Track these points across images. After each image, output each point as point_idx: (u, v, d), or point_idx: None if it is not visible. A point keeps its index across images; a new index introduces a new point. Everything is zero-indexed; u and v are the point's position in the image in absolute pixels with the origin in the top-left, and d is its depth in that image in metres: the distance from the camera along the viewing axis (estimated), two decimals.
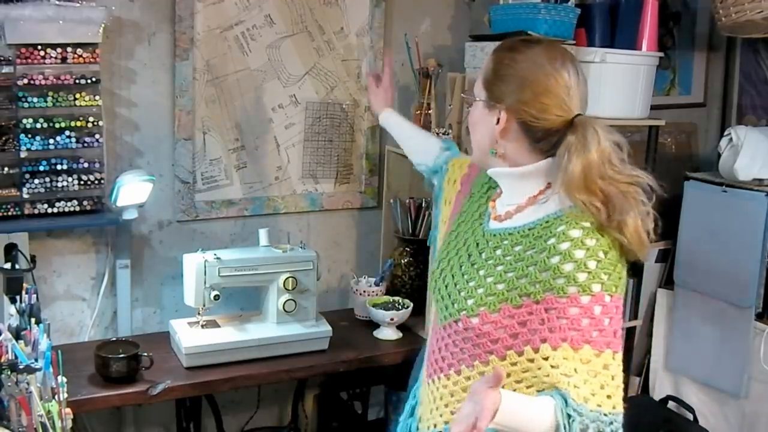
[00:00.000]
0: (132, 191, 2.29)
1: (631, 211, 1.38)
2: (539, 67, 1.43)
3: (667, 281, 3.31)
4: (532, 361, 1.37)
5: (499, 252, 1.45)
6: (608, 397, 1.33)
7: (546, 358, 1.36)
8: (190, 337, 2.30)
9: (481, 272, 1.45)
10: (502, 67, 1.47)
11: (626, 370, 3.12)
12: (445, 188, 1.81)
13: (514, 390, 1.38)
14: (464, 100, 1.61)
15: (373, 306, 2.57)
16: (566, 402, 1.31)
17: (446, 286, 1.51)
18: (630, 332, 3.07)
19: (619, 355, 1.36)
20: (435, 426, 1.55)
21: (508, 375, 1.38)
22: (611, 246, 1.37)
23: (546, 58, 1.44)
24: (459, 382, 1.49)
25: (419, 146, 2.05)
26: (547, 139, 1.44)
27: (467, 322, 1.44)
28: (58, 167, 2.29)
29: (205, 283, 2.29)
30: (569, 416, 1.30)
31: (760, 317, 2.89)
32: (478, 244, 1.51)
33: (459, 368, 1.47)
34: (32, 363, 1.53)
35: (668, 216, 3.22)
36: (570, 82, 1.43)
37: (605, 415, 1.31)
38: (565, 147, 1.39)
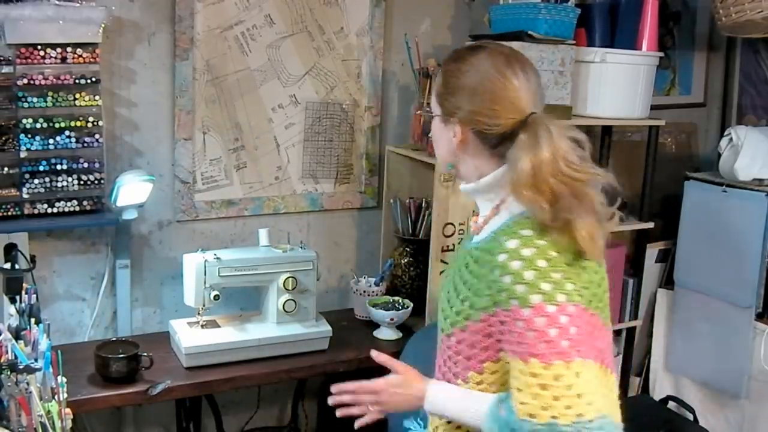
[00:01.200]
0: (132, 191, 2.29)
1: (583, 212, 1.33)
2: (484, 74, 1.41)
3: (667, 281, 3.31)
4: (494, 373, 1.39)
5: (466, 269, 1.44)
6: (567, 407, 1.28)
7: (507, 365, 1.36)
8: (190, 337, 2.30)
9: (458, 287, 1.45)
10: (450, 79, 1.46)
11: (626, 370, 3.13)
12: None
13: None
14: (423, 115, 1.59)
15: (373, 306, 2.57)
16: (509, 420, 1.32)
17: (441, 300, 1.53)
18: (630, 332, 3.07)
19: (576, 363, 1.29)
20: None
21: (490, 384, 1.41)
22: (559, 250, 1.33)
23: (490, 64, 1.42)
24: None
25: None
26: (504, 144, 1.40)
27: (447, 340, 1.46)
28: (58, 167, 2.28)
29: (205, 283, 2.29)
30: (507, 427, 1.31)
31: (760, 317, 2.89)
32: (463, 259, 1.49)
33: (458, 382, 1.47)
34: (32, 363, 1.53)
35: (668, 216, 3.25)
36: (518, 83, 1.40)
37: (563, 425, 1.27)
38: (516, 146, 1.36)
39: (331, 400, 1.60)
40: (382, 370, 2.27)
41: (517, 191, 1.35)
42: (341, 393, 1.61)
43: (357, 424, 1.60)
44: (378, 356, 1.64)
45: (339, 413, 1.59)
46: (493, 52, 1.44)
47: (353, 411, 1.60)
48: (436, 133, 1.52)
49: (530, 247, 1.33)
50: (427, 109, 1.55)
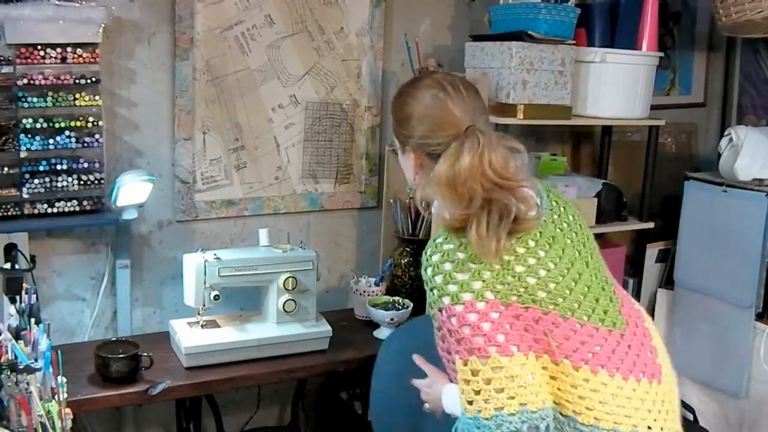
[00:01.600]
0: (132, 191, 2.29)
1: (490, 215, 1.40)
2: (423, 103, 1.54)
3: (667, 281, 3.31)
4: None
5: None
6: (485, 401, 1.34)
7: None
8: (190, 337, 2.30)
9: None
10: (397, 113, 1.61)
11: None
12: None
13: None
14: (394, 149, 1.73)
15: (373, 306, 2.57)
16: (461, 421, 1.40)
17: None
18: None
19: (494, 359, 1.35)
20: None
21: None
22: (458, 254, 1.41)
23: (427, 92, 1.55)
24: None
25: None
26: None
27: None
28: (58, 167, 2.28)
29: (205, 283, 2.29)
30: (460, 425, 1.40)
31: (760, 317, 2.89)
32: None
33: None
34: (32, 363, 1.53)
35: (668, 216, 3.25)
36: (452, 103, 1.51)
37: (486, 419, 1.34)
38: (444, 153, 1.47)
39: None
40: None
41: (435, 191, 1.45)
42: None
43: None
44: (416, 358, 1.73)
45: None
46: (429, 82, 1.58)
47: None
48: (401, 163, 1.67)
49: (438, 252, 1.44)
50: (392, 144, 1.70)
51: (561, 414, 1.42)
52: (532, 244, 1.46)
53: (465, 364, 1.37)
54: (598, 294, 1.50)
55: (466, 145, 1.44)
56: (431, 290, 1.44)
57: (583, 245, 1.55)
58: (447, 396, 1.55)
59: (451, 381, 1.53)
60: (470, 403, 1.37)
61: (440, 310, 1.41)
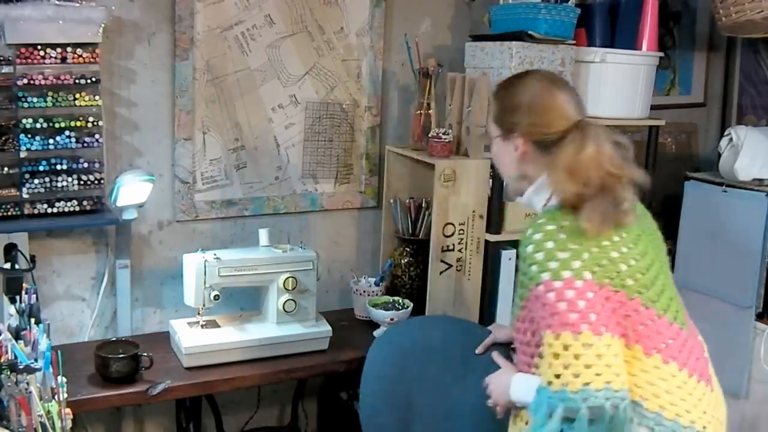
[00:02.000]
0: (132, 191, 2.29)
1: (606, 202, 1.53)
2: (535, 92, 1.65)
3: None
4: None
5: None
6: (575, 376, 1.40)
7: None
8: (190, 337, 2.30)
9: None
10: (505, 102, 1.70)
11: None
12: None
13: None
14: (483, 140, 1.86)
15: (373, 306, 2.57)
16: (539, 391, 1.46)
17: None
18: None
19: (585, 335, 1.42)
20: None
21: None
22: (562, 236, 1.49)
23: (539, 84, 1.67)
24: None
25: None
26: (558, 147, 1.59)
27: (514, 327, 1.64)
28: (58, 167, 2.28)
29: (205, 283, 2.29)
30: (538, 396, 1.45)
31: (760, 317, 2.89)
32: None
33: (533, 367, 1.57)
34: (32, 363, 1.53)
35: (668, 216, 3.25)
36: (563, 95, 1.64)
37: (573, 393, 1.40)
38: (564, 142, 1.57)
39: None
40: None
41: (556, 175, 1.55)
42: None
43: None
44: (494, 356, 1.84)
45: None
46: (539, 76, 1.71)
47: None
48: (497, 152, 1.74)
49: (540, 232, 1.51)
50: (486, 132, 1.79)
51: None
52: (624, 235, 1.55)
53: (557, 338, 1.44)
54: (672, 295, 1.61)
55: (588, 136, 1.55)
56: (530, 266, 1.51)
57: (660, 250, 1.66)
58: (517, 384, 1.61)
59: (523, 370, 1.61)
60: (557, 376, 1.42)
61: (538, 285, 1.48)
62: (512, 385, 1.62)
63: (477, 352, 1.96)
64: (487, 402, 1.73)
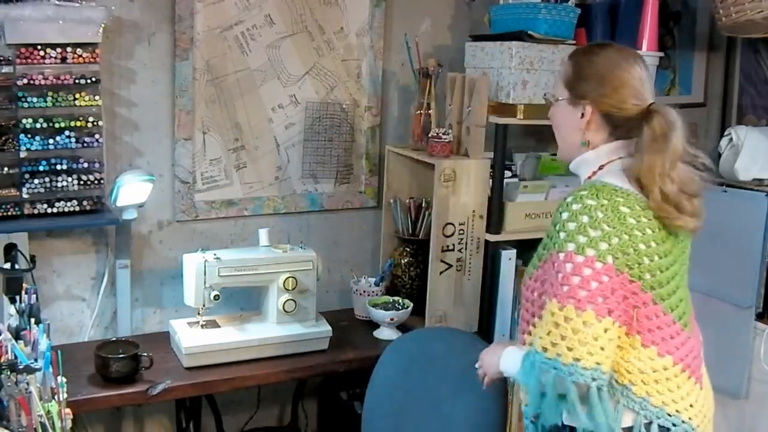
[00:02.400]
0: (132, 191, 2.29)
1: (699, 189, 1.63)
2: (614, 64, 1.65)
3: None
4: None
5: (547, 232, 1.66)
6: (569, 349, 1.45)
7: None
8: (190, 337, 2.30)
9: (542, 241, 1.67)
10: (582, 68, 1.69)
11: None
12: None
13: None
14: (546, 100, 1.83)
15: (373, 306, 2.57)
16: (529, 351, 1.52)
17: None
18: None
19: (588, 314, 1.45)
20: None
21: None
22: (601, 214, 1.51)
23: (619, 57, 1.67)
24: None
25: None
26: (625, 126, 1.63)
27: (524, 290, 1.68)
28: (58, 167, 2.28)
29: (205, 283, 2.29)
30: (528, 359, 1.51)
31: (760, 317, 2.89)
32: None
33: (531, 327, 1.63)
34: (32, 363, 1.53)
35: None
36: (642, 74, 1.65)
37: (563, 365, 1.44)
38: (657, 128, 1.57)
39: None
40: None
41: (645, 169, 1.55)
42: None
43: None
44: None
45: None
46: (619, 48, 1.71)
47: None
48: (560, 115, 1.73)
49: (579, 203, 1.53)
50: (551, 95, 1.78)
51: (616, 381, 1.53)
52: (656, 231, 1.57)
53: (561, 309, 1.47)
54: (683, 296, 1.65)
55: (670, 138, 1.57)
56: (559, 232, 1.53)
57: (683, 252, 1.68)
58: (507, 357, 1.65)
59: (522, 326, 1.67)
60: (553, 345, 1.47)
61: (560, 252, 1.51)
62: (502, 356, 1.67)
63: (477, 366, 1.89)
64: (477, 370, 1.79)
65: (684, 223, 1.58)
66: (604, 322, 1.46)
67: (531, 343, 1.56)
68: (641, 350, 1.55)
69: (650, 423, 1.54)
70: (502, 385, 1.93)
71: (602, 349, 1.45)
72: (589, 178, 1.66)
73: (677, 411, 1.57)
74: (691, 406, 1.60)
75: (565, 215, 1.53)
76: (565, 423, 1.54)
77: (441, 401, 1.97)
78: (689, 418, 1.58)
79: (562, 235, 1.52)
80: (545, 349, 1.48)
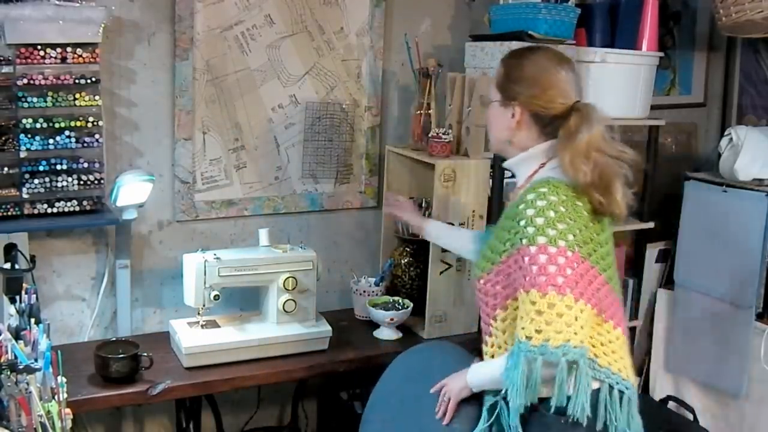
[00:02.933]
0: (132, 191, 2.29)
1: (617, 179, 1.69)
2: (543, 68, 1.77)
3: (667, 281, 3.31)
4: (516, 309, 1.68)
5: (502, 222, 1.80)
6: (557, 332, 1.57)
7: (516, 304, 1.68)
8: (190, 337, 2.30)
9: (491, 241, 1.81)
10: (513, 71, 1.80)
11: None
12: None
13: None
14: (482, 102, 1.98)
15: (373, 306, 2.57)
16: (514, 342, 1.63)
17: (481, 259, 1.87)
18: (630, 332, 3.06)
19: (568, 298, 1.59)
20: None
21: (513, 320, 1.70)
22: (564, 209, 1.64)
23: (547, 60, 1.79)
24: (495, 333, 1.80)
25: (465, 237, 2.27)
26: (553, 125, 1.75)
27: (478, 284, 1.82)
28: (58, 167, 2.28)
29: (205, 283, 2.29)
30: (515, 353, 1.61)
31: (760, 317, 2.89)
32: (502, 218, 1.83)
33: (492, 320, 1.79)
34: (32, 363, 1.53)
35: (668, 216, 3.25)
36: (569, 76, 1.77)
37: (554, 347, 1.57)
38: (572, 124, 1.70)
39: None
40: (382, 370, 2.28)
41: (567, 161, 1.67)
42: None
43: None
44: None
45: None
46: (548, 52, 1.83)
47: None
48: (493, 116, 1.85)
49: (544, 200, 1.65)
50: (486, 98, 1.91)
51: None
52: (597, 222, 1.71)
53: (543, 296, 1.59)
54: (616, 277, 1.79)
55: (593, 118, 1.69)
56: (526, 227, 1.64)
57: (611, 237, 1.81)
58: (475, 371, 1.79)
59: (483, 320, 1.82)
60: (538, 332, 1.58)
61: (531, 245, 1.63)
62: (470, 372, 1.79)
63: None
64: (443, 397, 1.86)
65: (618, 209, 1.70)
66: (579, 305, 1.60)
67: (494, 345, 1.78)
68: (603, 326, 1.70)
69: (612, 389, 1.68)
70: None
71: (582, 328, 1.59)
72: (531, 176, 1.78)
73: (628, 376, 1.73)
74: (627, 361, 1.77)
75: (530, 211, 1.65)
76: (543, 396, 1.64)
77: (422, 414, 1.98)
78: (628, 376, 1.74)
79: (530, 230, 1.63)
80: (529, 338, 1.59)
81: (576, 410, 1.61)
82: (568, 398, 1.62)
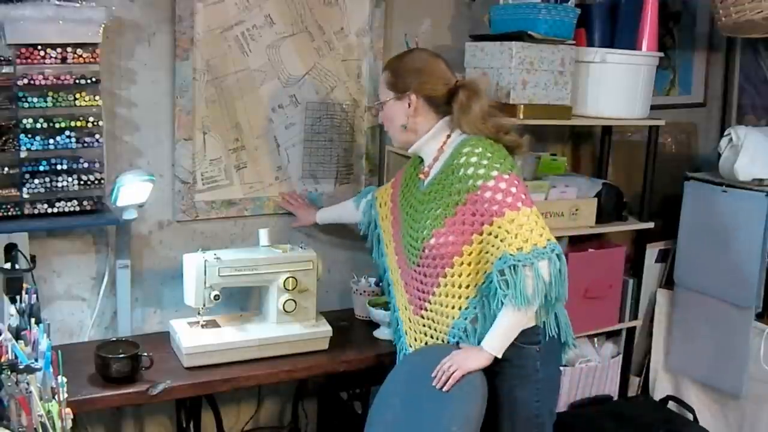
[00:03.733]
0: (132, 191, 2.29)
1: (508, 126, 2.12)
2: (423, 59, 2.15)
3: (667, 281, 3.31)
4: (481, 242, 1.98)
5: (432, 194, 2.09)
6: (540, 235, 1.91)
7: (489, 234, 1.95)
8: (190, 337, 2.30)
9: (426, 212, 2.09)
10: (398, 69, 2.15)
11: (626, 370, 3.12)
12: (379, 211, 2.42)
13: (478, 271, 2.01)
14: (376, 109, 2.30)
15: (373, 306, 2.57)
16: (506, 260, 1.90)
17: (410, 236, 2.15)
18: (630, 332, 3.07)
19: (532, 210, 1.94)
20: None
21: (469, 264, 2.02)
22: (496, 148, 2.02)
23: (425, 53, 2.19)
24: (435, 304, 2.10)
25: (351, 211, 2.60)
26: (442, 105, 2.10)
27: (428, 245, 2.06)
28: (58, 167, 2.28)
29: (205, 283, 2.29)
30: (513, 267, 1.89)
31: (760, 317, 2.89)
32: (419, 201, 2.15)
33: (432, 291, 2.10)
34: (32, 363, 1.53)
35: (668, 216, 3.25)
36: (443, 64, 2.15)
37: (543, 248, 1.90)
38: (461, 99, 2.06)
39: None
40: (382, 370, 2.28)
41: (473, 125, 2.05)
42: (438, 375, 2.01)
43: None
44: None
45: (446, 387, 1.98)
46: (422, 50, 2.29)
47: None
48: (390, 113, 2.15)
49: (479, 147, 2.01)
50: (378, 102, 2.21)
51: None
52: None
53: (518, 212, 1.92)
54: None
55: (479, 92, 2.07)
56: (477, 170, 1.97)
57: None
58: (490, 340, 1.97)
59: (421, 305, 2.15)
60: (525, 241, 1.90)
61: (488, 180, 1.95)
62: (486, 343, 1.97)
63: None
64: (444, 371, 1.97)
65: (521, 144, 2.11)
66: (534, 210, 1.95)
67: (425, 334, 2.13)
68: None
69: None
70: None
71: (544, 227, 1.94)
72: (441, 148, 2.10)
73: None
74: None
75: (473, 159, 1.98)
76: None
77: (424, 414, 1.99)
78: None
79: (481, 171, 1.96)
80: (520, 249, 1.89)
81: (553, 296, 1.93)
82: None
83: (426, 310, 2.14)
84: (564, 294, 1.97)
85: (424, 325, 2.15)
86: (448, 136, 2.10)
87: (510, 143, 2.07)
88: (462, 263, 2.02)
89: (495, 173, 1.95)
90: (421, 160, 2.21)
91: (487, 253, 1.98)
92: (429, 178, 2.13)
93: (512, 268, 1.89)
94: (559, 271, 1.92)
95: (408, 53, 2.23)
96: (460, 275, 2.03)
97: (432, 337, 2.13)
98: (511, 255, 1.89)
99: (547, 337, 2.03)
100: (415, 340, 2.19)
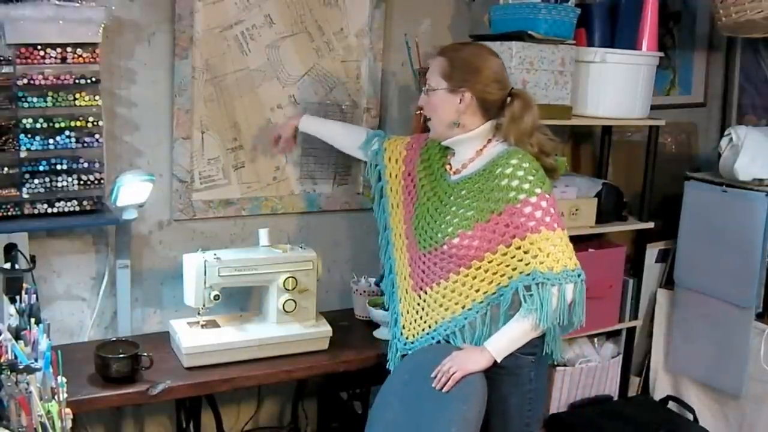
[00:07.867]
0: (132, 191, 2.29)
1: (551, 148, 2.10)
2: (482, 58, 2.08)
3: (667, 281, 3.31)
4: (505, 255, 2.00)
5: (464, 192, 2.09)
6: (569, 258, 1.96)
7: (518, 248, 1.98)
8: (190, 337, 2.30)
9: (453, 209, 2.09)
10: (456, 61, 2.08)
11: (626, 370, 3.13)
12: (387, 165, 2.38)
13: (492, 281, 2.03)
14: (425, 91, 2.17)
15: (373, 306, 2.57)
16: (536, 276, 1.94)
17: (427, 224, 2.14)
18: (630, 332, 3.07)
19: (564, 232, 1.99)
20: (417, 334, 2.20)
21: (486, 271, 2.03)
22: (540, 167, 2.02)
23: (484, 50, 2.12)
24: (437, 293, 2.12)
25: (349, 134, 2.55)
26: (493, 109, 2.08)
27: (450, 243, 2.06)
28: (58, 167, 2.28)
29: (205, 283, 2.29)
30: (541, 284, 1.93)
31: (760, 317, 2.89)
32: (445, 193, 2.14)
33: (438, 281, 2.11)
34: (32, 363, 1.53)
35: (668, 216, 3.25)
36: (501, 66, 2.10)
37: (572, 270, 1.95)
38: (515, 109, 2.05)
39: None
40: (382, 370, 2.28)
41: (521, 139, 2.04)
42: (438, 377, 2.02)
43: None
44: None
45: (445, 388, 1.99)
46: (484, 46, 2.19)
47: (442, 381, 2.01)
48: (439, 101, 2.09)
49: (528, 162, 2.01)
50: (427, 88, 2.13)
51: None
52: None
53: (554, 232, 1.96)
54: None
55: (531, 103, 2.07)
56: (523, 183, 1.97)
57: None
58: (496, 342, 2.01)
59: (418, 291, 2.18)
60: (556, 261, 1.94)
61: (531, 196, 1.96)
62: (490, 345, 2.00)
63: None
64: (444, 372, 1.98)
65: (557, 169, 2.11)
66: (566, 234, 2.00)
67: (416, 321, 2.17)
68: None
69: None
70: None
71: (573, 251, 2.00)
72: (480, 150, 2.10)
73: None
74: None
75: (520, 173, 1.98)
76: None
77: (424, 414, 1.99)
78: None
79: (526, 185, 1.97)
80: (552, 268, 1.93)
81: (576, 320, 1.99)
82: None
83: (425, 293, 2.16)
84: (583, 319, 2.01)
85: (418, 304, 2.19)
86: (489, 141, 2.10)
87: (549, 166, 2.07)
88: (480, 268, 2.04)
89: (539, 191, 1.97)
90: (446, 151, 2.20)
91: (508, 266, 2.00)
92: (461, 175, 2.12)
93: (540, 285, 1.93)
94: (581, 296, 1.97)
95: (468, 45, 2.21)
96: (474, 278, 2.05)
97: (422, 318, 2.18)
98: (541, 273, 1.93)
99: (543, 352, 2.07)
100: (407, 312, 2.23)
